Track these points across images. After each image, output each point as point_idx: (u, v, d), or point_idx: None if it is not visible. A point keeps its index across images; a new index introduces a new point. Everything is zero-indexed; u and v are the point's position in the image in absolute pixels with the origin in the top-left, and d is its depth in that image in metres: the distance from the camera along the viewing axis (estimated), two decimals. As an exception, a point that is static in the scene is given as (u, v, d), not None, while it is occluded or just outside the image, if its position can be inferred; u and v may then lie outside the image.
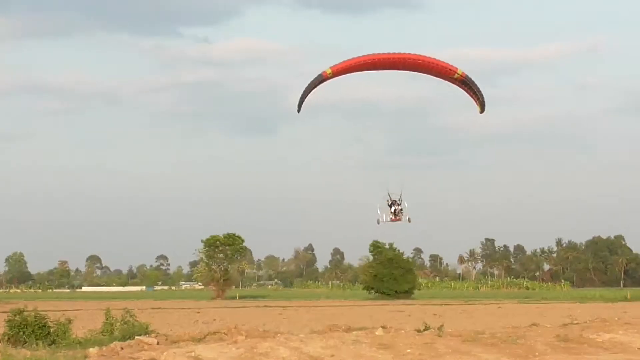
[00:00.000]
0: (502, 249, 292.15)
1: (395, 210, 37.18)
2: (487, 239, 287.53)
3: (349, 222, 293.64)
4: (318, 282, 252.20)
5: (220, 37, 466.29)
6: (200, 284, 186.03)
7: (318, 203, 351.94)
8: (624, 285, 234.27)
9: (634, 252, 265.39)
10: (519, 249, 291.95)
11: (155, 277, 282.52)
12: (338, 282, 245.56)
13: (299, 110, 36.65)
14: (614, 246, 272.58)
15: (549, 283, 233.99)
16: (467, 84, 34.97)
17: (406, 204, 36.87)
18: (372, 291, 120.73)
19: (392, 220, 37.32)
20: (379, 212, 37.10)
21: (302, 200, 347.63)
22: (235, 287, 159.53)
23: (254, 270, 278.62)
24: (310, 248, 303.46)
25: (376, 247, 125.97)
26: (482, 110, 36.10)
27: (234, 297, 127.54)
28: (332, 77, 36.11)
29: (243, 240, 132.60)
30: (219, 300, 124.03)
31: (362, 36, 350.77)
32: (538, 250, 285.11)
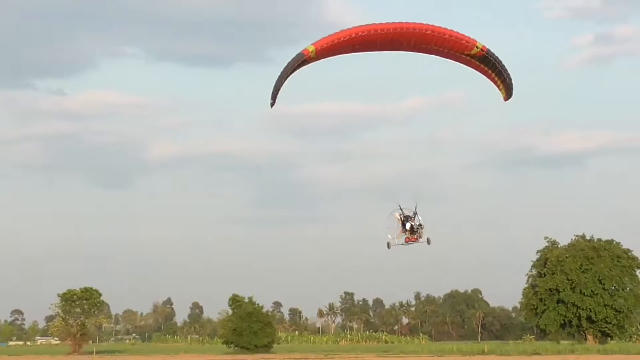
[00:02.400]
0: (361, 302, 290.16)
1: (412, 227, 29.44)
2: (346, 293, 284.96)
3: (209, 275, 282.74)
4: (177, 336, 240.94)
5: (75, 89, 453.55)
6: (56, 338, 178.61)
7: (177, 256, 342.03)
8: (481, 339, 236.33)
9: (490, 305, 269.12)
10: (378, 302, 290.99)
11: (10, 331, 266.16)
12: (197, 336, 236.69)
13: (272, 104, 28.32)
14: (471, 300, 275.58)
15: (408, 336, 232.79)
16: (488, 61, 27.48)
17: (421, 219, 29.00)
18: (232, 345, 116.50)
19: (407, 241, 29.68)
20: (388, 235, 29.47)
21: (161, 253, 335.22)
22: (93, 342, 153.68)
23: (112, 325, 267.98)
24: (169, 302, 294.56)
25: (235, 300, 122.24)
26: (509, 95, 28.57)
27: (91, 352, 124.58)
28: (315, 58, 28.10)
29: (100, 294, 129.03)
30: (75, 355, 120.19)
31: (219, 88, 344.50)
32: (397, 304, 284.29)
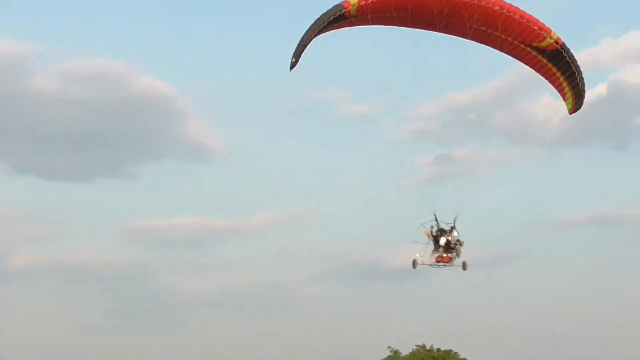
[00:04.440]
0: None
1: (447, 242, 24.17)
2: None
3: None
4: None
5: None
6: None
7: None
8: None
9: None
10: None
11: None
12: None
13: (294, 63, 22.95)
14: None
15: None
16: (561, 57, 21.92)
17: (457, 234, 23.51)
18: None
19: (439, 260, 24.46)
20: (416, 253, 24.32)
21: None
22: None
23: None
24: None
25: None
26: (579, 105, 23.07)
27: None
28: (355, 18, 23.09)
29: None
30: None
31: (79, 202, 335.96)
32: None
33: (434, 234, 24.70)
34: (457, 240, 24.54)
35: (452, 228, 24.63)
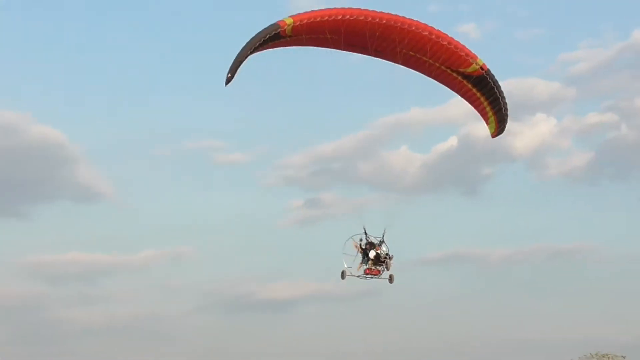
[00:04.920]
0: None
1: (377, 255, 24.35)
2: None
3: None
4: None
5: None
6: None
7: None
8: None
9: None
10: None
11: None
12: None
13: (230, 78, 22.88)
14: None
15: None
16: (486, 83, 22.72)
17: (386, 248, 23.60)
18: None
19: (367, 273, 24.55)
20: (344, 262, 24.31)
21: None
22: None
23: None
24: None
25: None
26: (502, 129, 23.69)
27: None
28: (290, 37, 23.44)
29: None
30: None
31: None
32: None
33: (363, 246, 24.92)
34: (387, 254, 24.75)
35: (381, 242, 24.84)
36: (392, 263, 24.39)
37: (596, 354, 66.33)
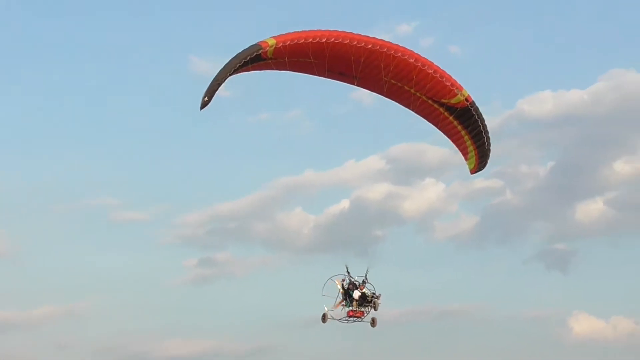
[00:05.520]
0: None
1: (362, 295, 22.83)
2: None
3: None
4: None
5: None
6: None
7: None
8: None
9: None
10: None
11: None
12: None
13: (206, 102, 21.31)
14: None
15: None
16: (469, 116, 21.70)
17: (372, 287, 22.17)
18: None
19: (350, 315, 23.02)
20: (325, 306, 22.93)
21: None
22: None
23: None
24: None
25: None
26: (483, 164, 22.71)
27: None
28: (271, 60, 22.29)
29: None
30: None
31: None
32: None
33: (345, 287, 23.68)
34: (373, 293, 23.51)
35: (364, 282, 23.64)
36: (380, 302, 23.12)
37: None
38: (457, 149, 23.60)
